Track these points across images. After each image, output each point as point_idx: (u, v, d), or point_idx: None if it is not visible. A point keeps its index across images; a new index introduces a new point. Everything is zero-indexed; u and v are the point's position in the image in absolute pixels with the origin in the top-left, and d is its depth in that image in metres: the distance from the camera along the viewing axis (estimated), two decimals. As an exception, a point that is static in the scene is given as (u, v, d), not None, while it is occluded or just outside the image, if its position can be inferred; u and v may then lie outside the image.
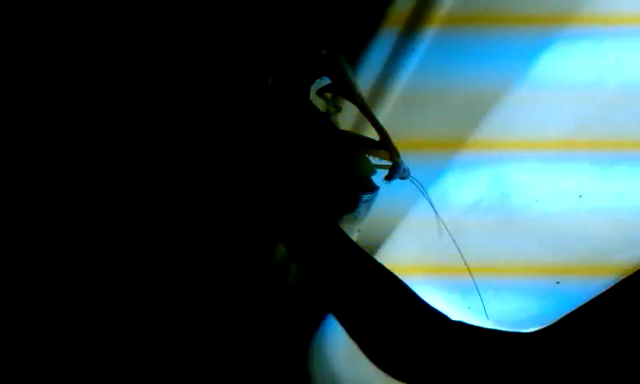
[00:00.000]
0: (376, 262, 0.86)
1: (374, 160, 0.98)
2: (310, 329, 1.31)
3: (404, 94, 1.07)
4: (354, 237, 1.01)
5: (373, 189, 0.97)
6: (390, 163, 0.96)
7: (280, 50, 0.99)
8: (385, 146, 0.96)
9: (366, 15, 1.02)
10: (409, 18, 1.01)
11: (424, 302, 0.82)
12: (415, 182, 0.98)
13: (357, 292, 0.84)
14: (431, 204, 1.00)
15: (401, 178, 0.97)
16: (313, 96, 1.01)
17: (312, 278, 0.88)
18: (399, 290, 0.84)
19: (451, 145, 1.08)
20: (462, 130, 1.07)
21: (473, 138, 1.05)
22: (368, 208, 0.99)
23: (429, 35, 1.01)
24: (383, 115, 1.09)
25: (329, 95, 1.02)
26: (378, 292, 0.84)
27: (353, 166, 0.98)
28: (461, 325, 0.79)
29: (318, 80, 1.01)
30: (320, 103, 1.03)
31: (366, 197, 0.97)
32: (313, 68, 0.99)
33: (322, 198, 0.96)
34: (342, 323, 0.84)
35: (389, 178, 0.96)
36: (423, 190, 1.00)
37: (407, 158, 0.96)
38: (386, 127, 0.96)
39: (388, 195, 1.00)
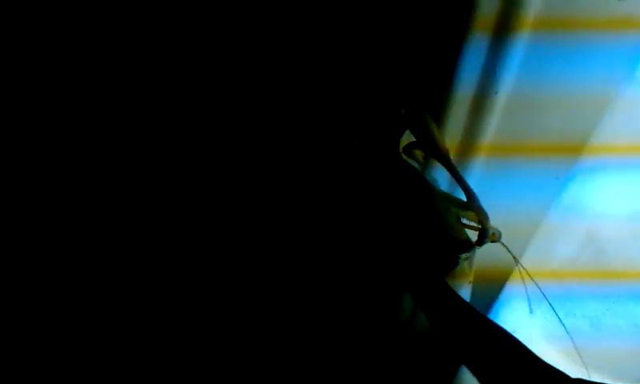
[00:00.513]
0: (488, 319, 0.82)
1: (464, 220, 0.90)
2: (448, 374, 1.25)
3: (505, 108, 0.91)
4: (467, 290, 0.93)
5: (469, 247, 0.89)
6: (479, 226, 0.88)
7: (363, 109, 0.93)
8: (471, 208, 0.87)
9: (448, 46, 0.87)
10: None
11: (541, 359, 0.76)
12: (505, 245, 0.87)
13: (473, 349, 0.81)
14: (522, 267, 0.87)
15: (492, 242, 0.85)
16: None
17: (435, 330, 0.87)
18: (517, 347, 0.78)
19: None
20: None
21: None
22: (470, 263, 0.91)
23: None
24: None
25: (417, 153, 0.95)
26: (494, 348, 0.79)
27: (445, 227, 0.89)
28: (581, 381, 0.75)
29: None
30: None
31: (464, 256, 0.89)
32: (397, 125, 0.91)
33: (422, 258, 0.91)
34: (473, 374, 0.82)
35: (479, 243, 0.88)
36: (514, 256, 0.91)
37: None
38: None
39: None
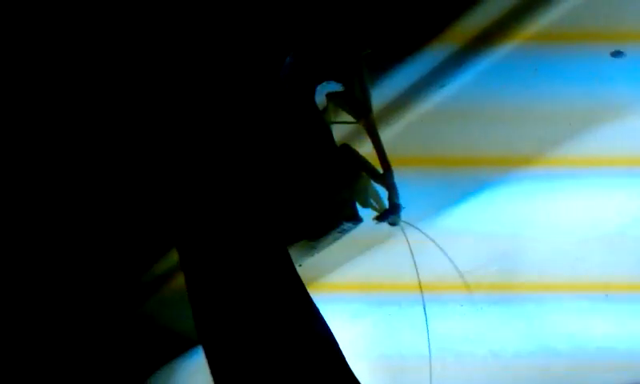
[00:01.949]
0: (309, 305, 0.75)
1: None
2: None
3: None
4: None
5: (356, 220, 0.84)
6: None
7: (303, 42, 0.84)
8: (386, 182, 0.82)
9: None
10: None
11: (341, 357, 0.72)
12: (408, 228, 0.85)
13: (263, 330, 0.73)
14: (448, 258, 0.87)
15: (390, 224, 0.84)
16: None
17: (208, 296, 0.77)
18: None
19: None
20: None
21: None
22: (336, 239, 0.85)
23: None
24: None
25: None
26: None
27: (348, 189, 0.84)
28: None
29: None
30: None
31: (346, 226, 0.84)
32: (328, 68, 0.84)
33: (295, 212, 0.84)
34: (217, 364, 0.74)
35: (380, 218, 0.83)
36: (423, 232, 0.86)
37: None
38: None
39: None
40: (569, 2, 0.73)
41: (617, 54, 0.76)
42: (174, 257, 1.15)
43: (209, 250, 0.79)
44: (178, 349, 1.29)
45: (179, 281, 1.18)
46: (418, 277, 0.82)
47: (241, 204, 0.81)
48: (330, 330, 0.76)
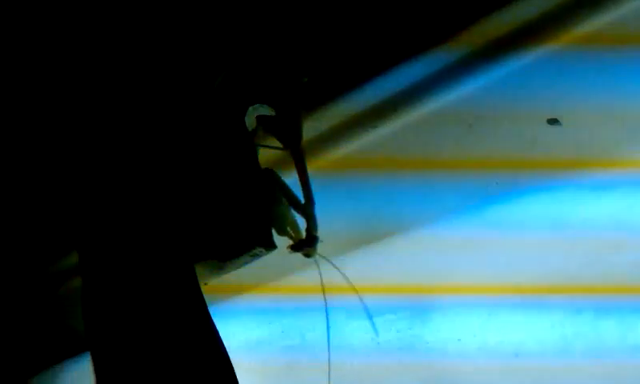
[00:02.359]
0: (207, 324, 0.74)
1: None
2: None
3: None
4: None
5: (270, 246, 0.82)
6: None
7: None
8: (306, 212, 0.82)
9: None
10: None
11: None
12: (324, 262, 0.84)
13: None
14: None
15: (304, 255, 0.83)
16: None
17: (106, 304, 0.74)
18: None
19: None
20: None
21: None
22: (246, 263, 0.83)
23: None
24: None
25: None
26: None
27: (266, 213, 0.82)
28: None
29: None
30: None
31: (258, 251, 0.82)
32: (262, 90, 0.83)
33: (209, 229, 0.81)
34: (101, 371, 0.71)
35: (295, 248, 0.82)
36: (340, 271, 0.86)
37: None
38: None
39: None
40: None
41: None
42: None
43: (108, 255, 0.77)
44: (70, 350, 1.23)
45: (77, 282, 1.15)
46: (327, 314, 0.81)
47: (148, 212, 0.79)
48: (224, 350, 0.75)
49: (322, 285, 0.83)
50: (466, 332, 0.83)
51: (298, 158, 0.83)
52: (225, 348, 0.74)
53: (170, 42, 0.86)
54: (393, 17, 0.81)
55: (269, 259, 0.83)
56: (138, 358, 0.71)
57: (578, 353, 0.79)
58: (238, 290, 1.00)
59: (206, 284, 0.86)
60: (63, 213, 1.06)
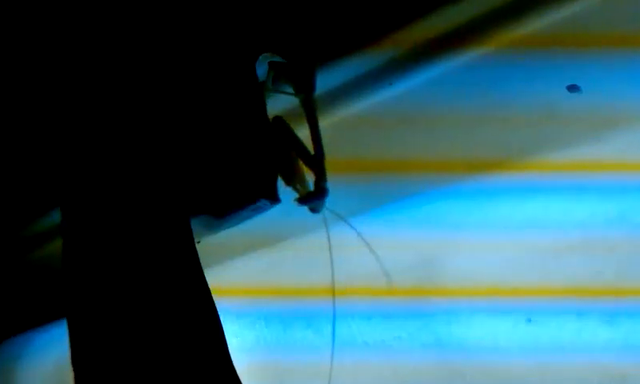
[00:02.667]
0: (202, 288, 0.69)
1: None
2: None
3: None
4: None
5: (274, 199, 0.77)
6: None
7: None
8: (316, 163, 0.77)
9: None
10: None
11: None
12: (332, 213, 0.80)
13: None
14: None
15: (310, 209, 0.79)
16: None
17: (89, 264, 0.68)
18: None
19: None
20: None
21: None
22: (247, 218, 0.79)
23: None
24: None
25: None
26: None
27: (273, 164, 0.78)
28: None
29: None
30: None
31: (262, 204, 0.78)
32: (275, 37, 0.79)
33: (209, 180, 0.76)
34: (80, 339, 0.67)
35: (303, 200, 0.78)
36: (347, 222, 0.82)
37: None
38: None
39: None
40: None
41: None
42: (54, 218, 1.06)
43: (93, 207, 0.72)
44: (38, 318, 1.17)
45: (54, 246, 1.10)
46: (333, 276, 0.77)
47: (140, 161, 0.74)
48: (218, 319, 0.70)
49: (330, 243, 0.78)
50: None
51: (310, 108, 0.79)
52: (217, 312, 0.70)
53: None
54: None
55: (269, 218, 0.80)
56: (120, 323, 0.66)
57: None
58: (231, 253, 0.95)
59: (198, 242, 0.80)
60: (44, 164, 1.01)
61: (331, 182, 0.77)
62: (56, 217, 1.06)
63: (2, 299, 1.22)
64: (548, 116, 0.77)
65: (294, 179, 0.78)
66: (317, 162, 0.77)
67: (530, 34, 0.73)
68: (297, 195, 0.78)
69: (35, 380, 1.13)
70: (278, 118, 0.80)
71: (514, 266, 0.78)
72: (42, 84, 0.90)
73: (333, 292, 0.79)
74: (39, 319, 1.18)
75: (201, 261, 0.72)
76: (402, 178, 0.83)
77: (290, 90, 0.80)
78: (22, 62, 0.92)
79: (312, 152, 0.78)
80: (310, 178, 0.78)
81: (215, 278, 0.75)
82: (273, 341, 0.94)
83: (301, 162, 0.79)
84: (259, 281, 0.96)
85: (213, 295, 0.70)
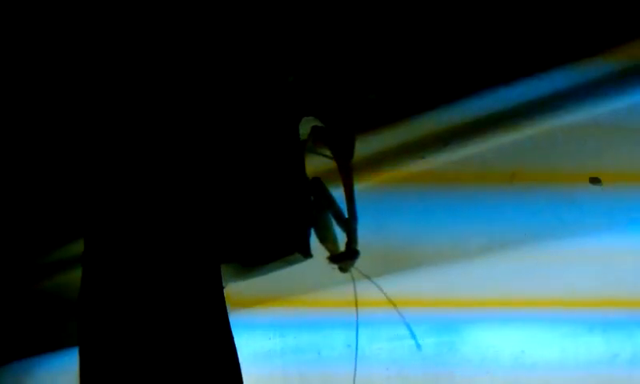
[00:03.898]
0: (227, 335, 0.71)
1: None
2: None
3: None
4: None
5: (307, 253, 0.80)
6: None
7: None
8: (349, 224, 0.82)
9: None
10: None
11: None
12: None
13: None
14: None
15: (340, 268, 0.83)
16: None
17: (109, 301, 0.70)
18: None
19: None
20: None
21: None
22: (277, 269, 0.81)
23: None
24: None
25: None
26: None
27: (309, 221, 0.82)
28: None
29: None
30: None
31: (294, 257, 0.81)
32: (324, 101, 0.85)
33: (247, 231, 0.80)
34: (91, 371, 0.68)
35: (334, 259, 0.81)
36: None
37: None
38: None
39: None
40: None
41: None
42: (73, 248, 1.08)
43: (119, 244, 0.73)
44: (43, 346, 1.18)
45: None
46: (357, 332, 0.80)
47: (178, 204, 0.75)
48: (239, 368, 0.72)
49: (356, 300, 0.82)
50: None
51: (347, 173, 0.84)
52: (237, 356, 0.72)
53: (237, 37, 0.86)
54: (452, 57, 0.85)
55: (297, 271, 0.83)
56: (135, 360, 0.67)
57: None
58: (256, 302, 0.98)
59: (224, 287, 0.84)
60: (74, 198, 1.03)
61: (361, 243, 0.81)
62: (69, 248, 1.10)
63: (9, 324, 1.23)
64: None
65: (326, 238, 0.82)
66: (350, 225, 0.82)
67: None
68: (328, 254, 0.83)
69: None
70: (317, 179, 0.85)
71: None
72: (72, 111, 0.94)
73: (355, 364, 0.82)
74: (46, 346, 1.19)
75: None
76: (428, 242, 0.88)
77: (329, 153, 0.85)
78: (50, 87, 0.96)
79: (346, 215, 0.82)
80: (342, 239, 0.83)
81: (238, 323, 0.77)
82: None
83: (334, 223, 0.83)
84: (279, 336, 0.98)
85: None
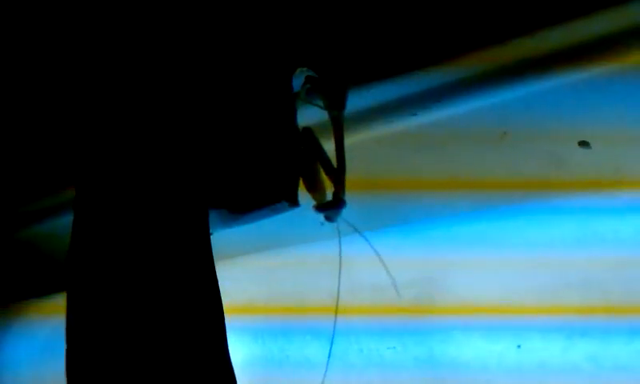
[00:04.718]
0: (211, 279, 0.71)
1: None
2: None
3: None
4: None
5: (294, 202, 0.82)
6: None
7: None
8: (337, 176, 0.82)
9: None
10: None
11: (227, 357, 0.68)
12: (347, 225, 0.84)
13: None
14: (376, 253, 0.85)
15: (326, 217, 0.83)
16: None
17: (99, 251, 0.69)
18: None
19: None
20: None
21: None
22: (264, 217, 0.82)
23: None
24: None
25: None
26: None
27: (297, 169, 0.82)
28: None
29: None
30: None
31: (281, 205, 0.82)
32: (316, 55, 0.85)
33: (234, 176, 0.80)
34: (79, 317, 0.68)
35: (320, 208, 0.82)
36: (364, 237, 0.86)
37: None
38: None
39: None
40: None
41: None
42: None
43: (108, 186, 0.74)
44: (30, 292, 1.18)
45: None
46: (339, 286, 0.81)
47: (165, 149, 0.76)
48: (222, 313, 0.72)
49: (340, 253, 0.82)
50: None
51: (338, 124, 0.84)
52: (222, 306, 0.72)
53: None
54: (442, 17, 0.85)
55: (282, 222, 0.84)
56: (122, 304, 0.68)
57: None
58: (242, 250, 0.98)
59: (212, 234, 0.84)
60: (60, 140, 1.03)
61: (349, 198, 0.82)
62: (60, 196, 1.10)
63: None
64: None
65: (314, 187, 0.83)
66: (338, 175, 0.82)
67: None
68: (315, 202, 0.83)
69: (24, 349, 1.13)
70: (307, 129, 0.85)
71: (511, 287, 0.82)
72: (62, 61, 0.94)
73: (336, 309, 0.83)
74: (31, 293, 1.20)
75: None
76: (416, 199, 0.88)
77: (322, 104, 0.86)
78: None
79: (335, 165, 0.83)
80: (329, 189, 0.83)
81: (222, 274, 0.77)
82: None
83: (323, 173, 0.83)
84: (265, 285, 0.99)
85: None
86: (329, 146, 0.83)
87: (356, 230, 0.82)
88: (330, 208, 0.82)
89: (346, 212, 0.83)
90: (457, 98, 0.85)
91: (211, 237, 0.81)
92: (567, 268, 0.82)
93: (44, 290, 1.15)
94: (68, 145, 1.01)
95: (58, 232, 1.06)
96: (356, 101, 0.87)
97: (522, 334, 0.80)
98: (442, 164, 0.87)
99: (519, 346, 0.80)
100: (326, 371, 0.80)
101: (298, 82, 0.86)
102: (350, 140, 0.85)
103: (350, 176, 0.82)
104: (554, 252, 0.83)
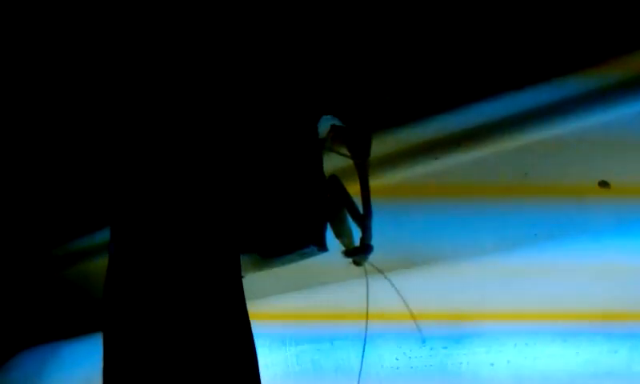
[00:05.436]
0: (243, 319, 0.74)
1: None
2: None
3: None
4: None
5: (322, 247, 0.84)
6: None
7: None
8: (364, 223, 0.85)
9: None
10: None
11: None
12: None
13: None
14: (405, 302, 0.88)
15: (355, 263, 0.86)
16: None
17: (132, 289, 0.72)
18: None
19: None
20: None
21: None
22: (293, 261, 0.86)
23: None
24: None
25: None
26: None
27: (325, 216, 0.85)
28: None
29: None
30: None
31: (310, 250, 0.85)
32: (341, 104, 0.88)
33: (265, 223, 0.84)
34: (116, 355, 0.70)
35: (349, 253, 0.86)
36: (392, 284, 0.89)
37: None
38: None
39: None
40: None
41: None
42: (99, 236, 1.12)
43: (144, 231, 0.77)
44: (67, 331, 1.21)
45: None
46: (367, 318, 0.84)
47: (200, 195, 0.79)
48: (254, 351, 0.74)
49: (367, 294, 0.85)
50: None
51: (363, 171, 0.87)
52: (254, 345, 0.75)
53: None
54: (467, 60, 0.88)
55: (311, 265, 0.87)
56: (158, 345, 0.70)
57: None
58: (272, 291, 1.01)
59: (243, 277, 0.87)
60: (100, 186, 1.06)
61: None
62: (94, 238, 1.14)
63: (32, 308, 1.27)
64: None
65: (342, 233, 0.86)
66: (364, 221, 0.85)
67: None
68: (343, 248, 0.86)
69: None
70: (334, 177, 0.88)
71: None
72: (104, 106, 0.98)
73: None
74: (69, 332, 1.23)
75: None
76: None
77: (347, 152, 0.89)
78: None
79: (361, 211, 0.86)
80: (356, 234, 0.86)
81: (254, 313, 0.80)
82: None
83: (350, 219, 0.86)
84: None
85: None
86: (354, 191, 0.87)
87: (382, 274, 0.85)
88: (358, 253, 0.85)
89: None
90: (477, 143, 0.88)
91: (243, 279, 0.85)
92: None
93: (80, 330, 1.18)
94: (105, 188, 1.04)
95: (93, 273, 1.10)
96: (379, 146, 0.90)
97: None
98: (464, 206, 0.89)
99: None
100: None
101: (322, 128, 0.90)
102: (374, 184, 0.88)
103: (376, 219, 0.85)
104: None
